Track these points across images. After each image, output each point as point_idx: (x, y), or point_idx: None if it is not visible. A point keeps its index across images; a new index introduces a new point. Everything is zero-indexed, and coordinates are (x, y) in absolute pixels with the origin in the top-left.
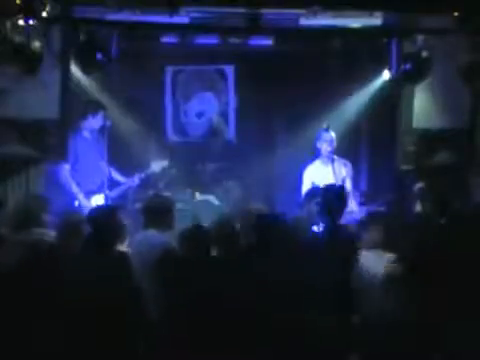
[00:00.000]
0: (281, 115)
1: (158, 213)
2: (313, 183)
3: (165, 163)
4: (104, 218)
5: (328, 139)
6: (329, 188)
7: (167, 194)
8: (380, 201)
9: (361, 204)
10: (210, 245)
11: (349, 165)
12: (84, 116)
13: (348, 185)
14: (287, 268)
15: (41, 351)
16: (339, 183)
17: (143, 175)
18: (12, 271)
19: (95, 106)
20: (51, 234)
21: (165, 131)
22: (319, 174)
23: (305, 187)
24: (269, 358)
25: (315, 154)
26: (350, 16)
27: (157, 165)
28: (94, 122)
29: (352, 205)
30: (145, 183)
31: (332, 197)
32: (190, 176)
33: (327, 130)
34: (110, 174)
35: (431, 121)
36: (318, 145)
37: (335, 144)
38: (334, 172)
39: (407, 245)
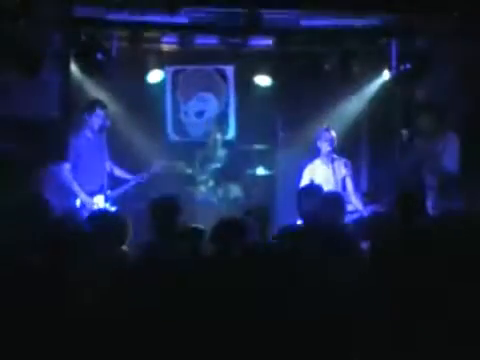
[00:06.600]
0: (281, 115)
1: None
2: (312, 181)
3: (166, 163)
4: (110, 220)
5: (328, 138)
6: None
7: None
8: (383, 201)
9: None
10: None
11: (349, 164)
12: (85, 115)
13: (349, 185)
14: None
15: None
16: (338, 183)
17: (149, 173)
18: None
19: (96, 105)
20: None
21: (165, 131)
22: (318, 173)
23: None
24: None
25: (315, 153)
26: (350, 16)
27: (158, 165)
28: (95, 121)
29: (357, 204)
30: (145, 183)
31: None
32: (190, 176)
33: (327, 129)
34: (113, 172)
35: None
36: (318, 144)
37: (335, 144)
38: (334, 172)
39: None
